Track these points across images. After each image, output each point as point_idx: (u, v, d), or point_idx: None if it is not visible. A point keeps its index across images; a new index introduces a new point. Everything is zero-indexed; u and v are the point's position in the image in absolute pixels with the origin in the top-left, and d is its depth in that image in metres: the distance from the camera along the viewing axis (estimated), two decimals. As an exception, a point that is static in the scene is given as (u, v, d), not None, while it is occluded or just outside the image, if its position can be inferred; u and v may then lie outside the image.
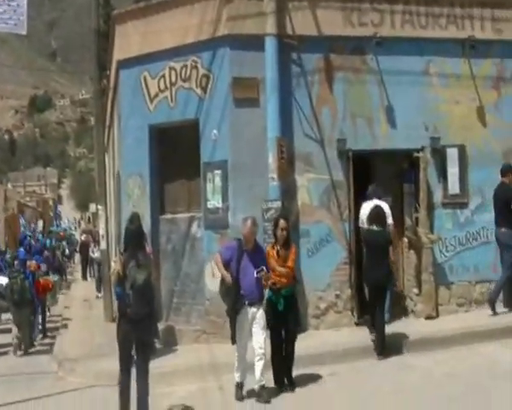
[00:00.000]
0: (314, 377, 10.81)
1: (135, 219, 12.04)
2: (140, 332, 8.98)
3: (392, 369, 11.18)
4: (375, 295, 12.19)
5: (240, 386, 10.26)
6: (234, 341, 10.14)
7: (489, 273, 14.48)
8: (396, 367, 11.27)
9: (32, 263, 17.91)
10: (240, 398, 10.19)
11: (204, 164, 13.77)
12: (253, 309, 10.14)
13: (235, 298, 10.01)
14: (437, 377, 10.50)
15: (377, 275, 12.00)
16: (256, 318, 10.16)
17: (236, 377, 10.26)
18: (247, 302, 10.07)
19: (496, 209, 13.94)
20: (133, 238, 9.28)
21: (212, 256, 13.33)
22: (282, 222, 10.65)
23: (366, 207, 13.08)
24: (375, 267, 12.04)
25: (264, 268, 10.12)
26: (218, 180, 13.50)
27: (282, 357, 10.49)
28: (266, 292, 10.48)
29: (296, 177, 13.72)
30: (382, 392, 9.94)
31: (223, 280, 10.24)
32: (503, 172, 14.01)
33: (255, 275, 10.01)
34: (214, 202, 13.56)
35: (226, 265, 10.21)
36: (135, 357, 9.23)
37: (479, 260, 14.54)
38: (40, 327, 19.07)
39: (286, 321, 10.49)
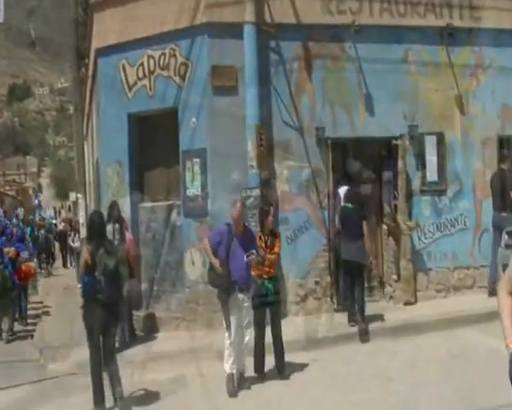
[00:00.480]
0: (297, 363, 10.83)
1: (113, 207, 12.17)
2: (108, 316, 9.14)
3: (372, 354, 11.26)
4: (353, 273, 12.35)
5: (231, 378, 9.92)
6: (228, 326, 9.97)
7: (467, 260, 14.63)
8: (377, 353, 11.35)
9: (9, 250, 17.74)
10: (232, 393, 9.77)
11: (183, 152, 13.76)
12: (242, 296, 10.03)
13: (227, 283, 9.90)
14: (417, 362, 10.58)
15: (352, 252, 12.17)
16: (243, 308, 10.05)
17: (227, 367, 9.91)
18: (237, 287, 9.94)
19: (496, 195, 14.10)
20: (99, 228, 9.52)
21: (192, 244, 13.45)
22: (271, 209, 10.71)
23: (343, 190, 13.33)
24: (350, 245, 12.22)
25: (255, 251, 10.01)
26: (196, 168, 13.51)
27: (264, 345, 10.46)
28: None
29: (275, 165, 13.74)
30: (365, 377, 10.00)
31: (211, 266, 10.12)
32: (501, 159, 14.22)
33: (245, 259, 9.91)
34: (193, 189, 13.56)
35: (215, 250, 10.08)
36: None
37: (457, 246, 14.66)
38: (22, 314, 18.98)
39: (273, 309, 10.50)
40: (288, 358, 10.68)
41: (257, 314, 10.31)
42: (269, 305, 10.45)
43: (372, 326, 12.39)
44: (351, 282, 12.62)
